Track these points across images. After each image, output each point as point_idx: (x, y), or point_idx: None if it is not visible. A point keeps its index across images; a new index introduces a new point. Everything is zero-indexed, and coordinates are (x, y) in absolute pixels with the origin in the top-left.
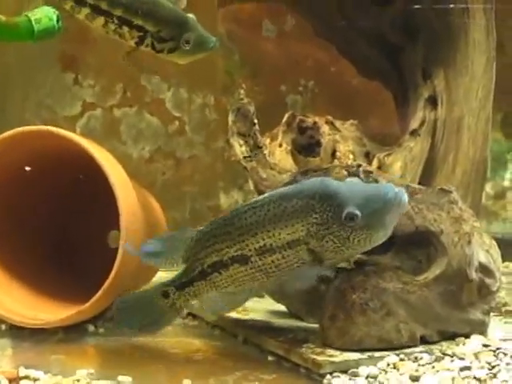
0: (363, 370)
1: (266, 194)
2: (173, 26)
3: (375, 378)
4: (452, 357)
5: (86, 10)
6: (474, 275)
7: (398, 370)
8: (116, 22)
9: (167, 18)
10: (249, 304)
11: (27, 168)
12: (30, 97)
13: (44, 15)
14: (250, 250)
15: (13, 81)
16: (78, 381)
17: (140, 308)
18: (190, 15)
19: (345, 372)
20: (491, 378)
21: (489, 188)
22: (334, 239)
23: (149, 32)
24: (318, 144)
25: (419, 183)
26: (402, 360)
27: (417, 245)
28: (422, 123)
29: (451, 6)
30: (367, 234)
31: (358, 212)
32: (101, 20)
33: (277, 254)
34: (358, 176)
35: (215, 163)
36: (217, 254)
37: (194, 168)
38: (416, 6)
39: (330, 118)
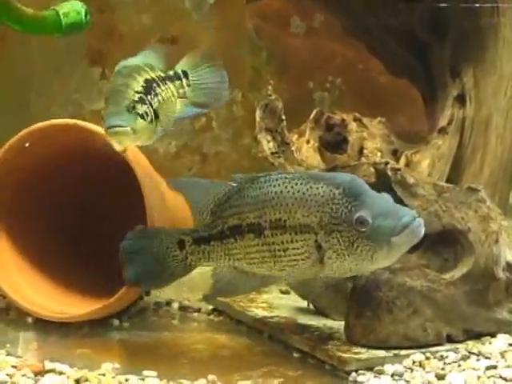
0: (389, 368)
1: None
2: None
3: (401, 375)
4: (478, 356)
5: None
6: (501, 274)
7: (423, 368)
8: None
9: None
10: (274, 301)
11: (27, 144)
12: (57, 91)
13: (72, 9)
14: (265, 221)
15: (39, 75)
16: (104, 375)
17: (150, 254)
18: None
19: (370, 369)
20: None
21: None
22: (340, 239)
23: None
24: (346, 141)
25: (447, 181)
26: (427, 358)
27: (444, 243)
28: (450, 121)
29: (481, 4)
30: (371, 247)
31: (369, 219)
32: None
33: (287, 235)
34: (386, 173)
35: (241, 159)
36: (238, 217)
37: (220, 164)
38: (444, 5)
39: (357, 115)
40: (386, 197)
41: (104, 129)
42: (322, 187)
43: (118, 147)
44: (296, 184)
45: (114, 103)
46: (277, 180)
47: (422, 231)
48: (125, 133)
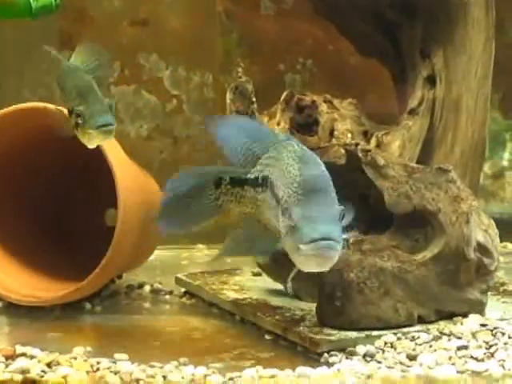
0: (360, 349)
1: None
2: (72, 95)
3: (372, 356)
4: (449, 336)
5: None
6: (472, 255)
7: (395, 349)
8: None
9: (71, 87)
10: (247, 283)
11: None
12: (27, 74)
13: None
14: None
15: (10, 58)
16: (75, 358)
17: (187, 193)
18: (107, 99)
19: (342, 351)
20: (489, 357)
21: (487, 168)
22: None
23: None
24: (316, 122)
25: (417, 162)
26: (399, 339)
27: (415, 224)
28: (421, 102)
29: None
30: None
31: (295, 216)
32: None
33: None
34: (356, 155)
35: (213, 142)
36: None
37: (191, 147)
38: None
39: (328, 96)
40: (332, 207)
41: (88, 127)
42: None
43: (92, 145)
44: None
45: (97, 102)
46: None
47: (331, 254)
48: (112, 132)
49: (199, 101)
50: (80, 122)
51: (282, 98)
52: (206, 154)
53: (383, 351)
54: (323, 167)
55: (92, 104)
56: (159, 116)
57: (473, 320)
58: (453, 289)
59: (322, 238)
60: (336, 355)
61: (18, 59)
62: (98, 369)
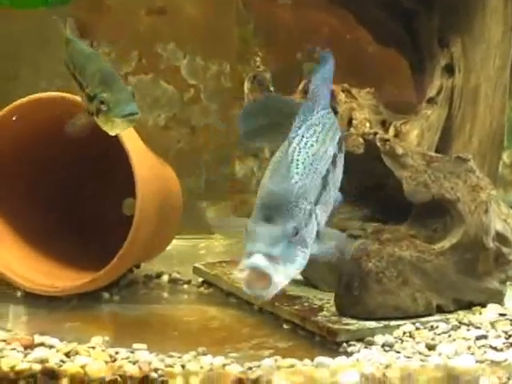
0: (379, 339)
1: None
2: (94, 82)
3: (391, 346)
4: (468, 326)
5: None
6: (491, 244)
7: (413, 338)
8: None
9: (93, 73)
10: None
11: (14, 118)
12: (44, 64)
13: None
14: None
15: (26, 48)
16: (94, 348)
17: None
18: (129, 87)
19: (360, 340)
20: (508, 347)
21: (505, 157)
22: None
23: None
24: (334, 112)
25: (436, 152)
26: (417, 329)
27: (433, 213)
28: (439, 91)
29: None
30: None
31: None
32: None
33: None
34: (375, 144)
35: (230, 131)
36: None
37: (208, 136)
38: None
39: (346, 85)
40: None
41: (113, 115)
42: None
43: (113, 132)
44: None
45: (122, 89)
46: None
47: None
48: (134, 120)
49: (216, 90)
50: (103, 108)
51: (300, 87)
52: (223, 143)
53: (402, 341)
54: (293, 180)
55: (117, 92)
56: (177, 105)
57: (492, 310)
58: (471, 278)
59: (252, 264)
60: (354, 345)
61: (34, 50)
62: (115, 359)
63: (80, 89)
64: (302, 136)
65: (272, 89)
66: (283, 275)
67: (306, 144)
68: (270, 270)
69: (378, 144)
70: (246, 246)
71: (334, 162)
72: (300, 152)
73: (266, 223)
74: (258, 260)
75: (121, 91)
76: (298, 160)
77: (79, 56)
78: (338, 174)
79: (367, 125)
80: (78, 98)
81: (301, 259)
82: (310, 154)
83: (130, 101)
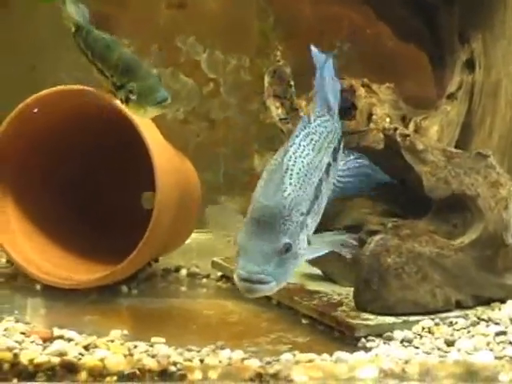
0: (398, 334)
1: None
2: (120, 71)
3: (410, 342)
4: (487, 322)
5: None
6: (511, 240)
7: (432, 334)
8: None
9: (116, 62)
10: None
11: (35, 110)
12: (64, 56)
13: None
14: None
15: (46, 40)
16: (112, 341)
17: None
18: (154, 70)
19: (379, 336)
20: None
21: None
22: None
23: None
24: (354, 107)
25: (455, 147)
26: (436, 324)
27: (453, 209)
28: (459, 87)
29: None
30: None
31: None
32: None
33: None
34: (395, 139)
35: (249, 125)
36: None
37: (228, 130)
38: None
39: (366, 80)
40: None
41: (146, 103)
42: None
43: (145, 117)
44: None
45: (150, 77)
46: None
47: (257, 290)
48: (166, 106)
49: (236, 84)
50: (133, 97)
51: None
52: (242, 137)
53: (421, 336)
54: (286, 192)
55: (145, 79)
56: (196, 99)
57: (511, 305)
58: (491, 274)
59: (246, 278)
60: (373, 340)
61: (54, 41)
62: (133, 353)
63: (102, 75)
64: (299, 145)
65: (292, 83)
66: (272, 288)
67: (302, 153)
68: (259, 287)
69: (398, 139)
70: (237, 260)
71: (327, 171)
72: (296, 161)
73: (258, 239)
74: (250, 277)
75: (149, 78)
76: (292, 170)
77: (98, 44)
78: (330, 184)
79: (387, 120)
80: (96, 91)
81: (291, 271)
82: (306, 163)
83: (160, 87)
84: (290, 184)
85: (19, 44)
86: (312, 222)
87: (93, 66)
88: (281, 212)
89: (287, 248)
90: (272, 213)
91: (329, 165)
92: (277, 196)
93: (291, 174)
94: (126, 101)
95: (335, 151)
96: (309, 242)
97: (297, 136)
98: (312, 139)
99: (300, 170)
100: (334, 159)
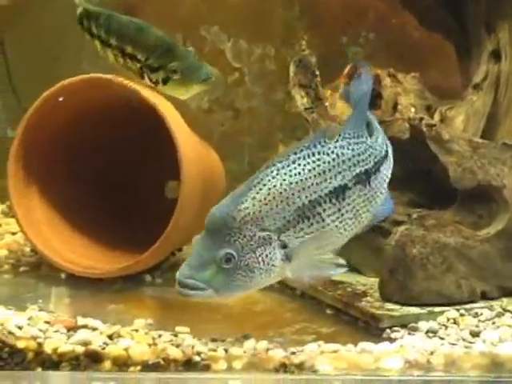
0: (423, 325)
1: None
2: (159, 53)
3: (435, 332)
4: None
5: (98, 44)
6: None
7: (458, 325)
8: (117, 52)
9: (153, 45)
10: None
11: (60, 98)
12: (88, 45)
13: None
14: None
15: (71, 29)
16: (137, 331)
17: None
18: (190, 48)
19: (404, 326)
20: None
21: None
22: None
23: (141, 61)
24: (380, 96)
25: (481, 137)
26: (462, 315)
27: (478, 200)
28: (485, 77)
29: None
30: None
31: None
32: (109, 53)
33: None
34: (421, 129)
35: (274, 115)
36: None
37: (252, 119)
38: None
39: (391, 70)
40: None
41: (190, 81)
42: None
43: (186, 96)
44: None
45: (189, 55)
46: None
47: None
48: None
49: (261, 73)
50: (175, 77)
51: (345, 71)
52: (267, 127)
53: (446, 327)
54: (243, 205)
55: (187, 58)
56: (220, 88)
57: None
58: None
59: (179, 281)
60: (398, 331)
61: (77, 32)
62: (156, 343)
63: (131, 60)
64: (293, 162)
65: (317, 72)
66: (209, 296)
67: (290, 171)
68: (190, 292)
69: (424, 129)
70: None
71: (338, 195)
72: (275, 177)
73: (202, 246)
74: (182, 281)
75: (189, 57)
76: (264, 185)
77: (128, 28)
78: (348, 208)
79: (412, 110)
80: (121, 79)
81: (242, 284)
82: (289, 182)
83: (201, 64)
84: (253, 198)
85: (42, 35)
86: (296, 242)
87: (111, 50)
88: (227, 223)
89: (227, 259)
90: (217, 223)
91: (344, 188)
92: (228, 207)
93: (260, 189)
94: (165, 81)
95: (367, 174)
96: (289, 259)
97: (295, 153)
98: (319, 160)
99: (275, 186)
100: (361, 182)
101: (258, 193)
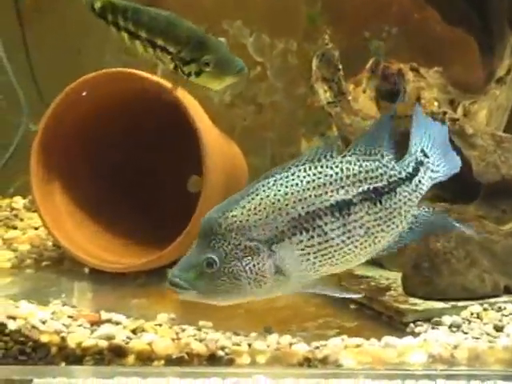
0: (446, 319)
1: None
2: (191, 46)
3: (459, 327)
4: None
5: (125, 35)
6: None
7: (481, 319)
8: (147, 43)
9: (185, 37)
10: None
11: (84, 93)
12: (111, 39)
13: None
14: None
15: (93, 23)
16: (160, 325)
17: None
18: (221, 39)
19: (428, 321)
20: None
21: None
22: None
23: (172, 53)
24: (403, 91)
25: (504, 132)
26: (485, 310)
27: (502, 194)
28: (508, 71)
29: None
30: None
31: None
32: (138, 44)
33: None
34: (443, 122)
35: (296, 109)
36: None
37: (274, 114)
38: None
39: (414, 64)
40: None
41: (224, 74)
42: None
43: (219, 87)
44: None
45: (221, 47)
46: None
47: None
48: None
49: (283, 68)
50: (207, 70)
51: (368, 65)
52: (289, 121)
53: (469, 322)
54: (232, 213)
55: (220, 50)
56: (243, 82)
57: None
58: None
59: (168, 278)
60: (422, 325)
61: (99, 25)
62: (179, 338)
63: (161, 51)
64: (292, 174)
65: (340, 67)
66: (192, 296)
67: (287, 182)
68: (176, 290)
69: (448, 123)
70: None
71: (341, 210)
72: (270, 188)
73: (193, 248)
74: (169, 279)
75: (222, 49)
76: (257, 194)
77: (158, 21)
78: (356, 225)
79: (436, 104)
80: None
81: (222, 290)
82: (284, 192)
83: (234, 57)
84: (243, 207)
85: (64, 28)
86: (290, 254)
87: (142, 43)
88: (213, 229)
89: (209, 263)
90: (205, 227)
91: (349, 203)
92: (217, 214)
93: (253, 198)
94: (198, 74)
95: (377, 192)
96: (283, 274)
97: (296, 165)
98: (320, 173)
99: (268, 196)
100: (369, 200)
101: (249, 202)
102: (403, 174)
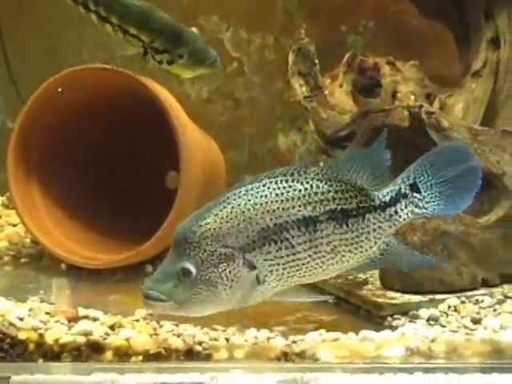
0: (424, 313)
1: None
2: (165, 36)
3: (436, 320)
4: None
5: (94, 17)
6: None
7: (459, 312)
8: (117, 29)
9: (160, 29)
10: None
11: (59, 89)
12: (87, 36)
13: None
14: None
15: (70, 20)
16: (138, 321)
17: None
18: (193, 29)
19: (405, 314)
20: None
21: None
22: None
23: (144, 42)
24: (379, 85)
25: (481, 125)
26: (463, 303)
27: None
28: (484, 64)
29: None
30: None
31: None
32: (108, 27)
33: None
34: (420, 117)
35: (274, 104)
36: None
37: (252, 109)
38: None
39: (390, 58)
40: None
41: (197, 65)
42: None
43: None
44: None
45: (198, 39)
46: None
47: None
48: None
49: (260, 63)
50: (181, 61)
51: (345, 59)
52: (267, 116)
53: (447, 315)
54: (205, 221)
55: (194, 43)
56: (220, 78)
57: None
58: None
59: (145, 293)
60: (399, 319)
61: (79, 22)
62: (157, 333)
63: (132, 37)
64: (263, 185)
65: (316, 61)
66: (170, 308)
67: (257, 193)
68: (150, 302)
69: (424, 117)
70: None
71: (308, 225)
72: (241, 197)
73: (168, 258)
74: (144, 291)
75: (196, 41)
76: (229, 203)
77: (133, 11)
78: (323, 241)
79: (412, 98)
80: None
81: (199, 298)
82: (254, 202)
83: (208, 48)
84: (216, 215)
85: (42, 25)
86: (267, 264)
87: (113, 28)
88: (187, 237)
89: (185, 272)
90: (179, 236)
91: (315, 220)
92: (191, 222)
93: (224, 207)
94: (171, 63)
95: (344, 213)
96: (261, 282)
97: (268, 177)
98: (290, 187)
99: (239, 205)
100: (335, 220)
101: (221, 210)
102: (376, 202)
